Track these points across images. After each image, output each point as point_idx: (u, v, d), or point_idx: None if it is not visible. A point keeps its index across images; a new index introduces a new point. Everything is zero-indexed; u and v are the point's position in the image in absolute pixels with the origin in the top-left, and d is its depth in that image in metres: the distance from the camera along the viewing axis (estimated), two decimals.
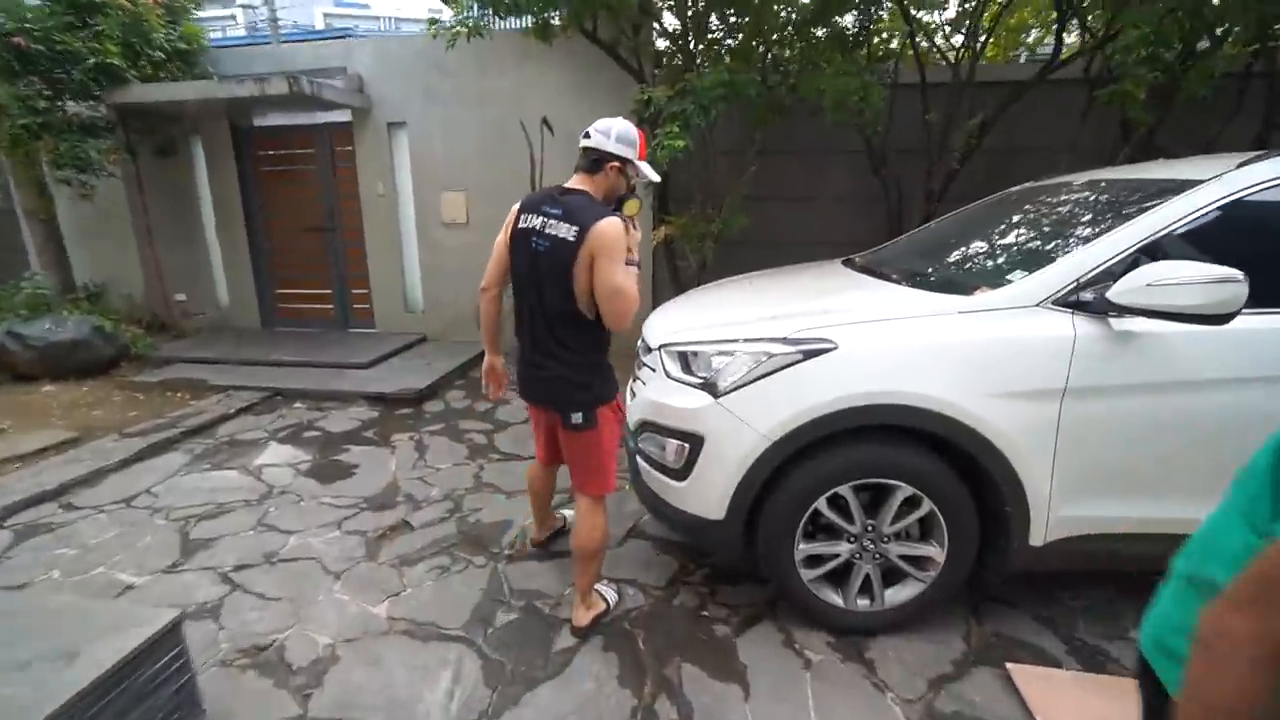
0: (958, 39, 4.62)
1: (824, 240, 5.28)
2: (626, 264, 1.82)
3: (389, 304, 5.99)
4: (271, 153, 5.96)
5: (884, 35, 4.31)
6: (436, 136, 5.47)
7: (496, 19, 4.72)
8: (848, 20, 4.03)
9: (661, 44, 4.82)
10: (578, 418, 1.97)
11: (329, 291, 6.21)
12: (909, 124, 4.65)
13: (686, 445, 2.07)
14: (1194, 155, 2.50)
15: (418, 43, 5.29)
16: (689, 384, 2.11)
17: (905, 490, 1.94)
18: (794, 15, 3.87)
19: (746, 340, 2.03)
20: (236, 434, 3.88)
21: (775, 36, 4.10)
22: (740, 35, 4.16)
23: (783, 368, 1.93)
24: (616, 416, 2.08)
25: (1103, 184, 2.35)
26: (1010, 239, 2.43)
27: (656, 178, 2.06)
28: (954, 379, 1.85)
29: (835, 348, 1.90)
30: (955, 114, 4.39)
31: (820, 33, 3.92)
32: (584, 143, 1.94)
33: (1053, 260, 1.95)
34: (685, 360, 2.17)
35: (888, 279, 2.40)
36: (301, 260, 6.16)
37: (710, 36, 4.27)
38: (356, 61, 5.46)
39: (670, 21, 4.56)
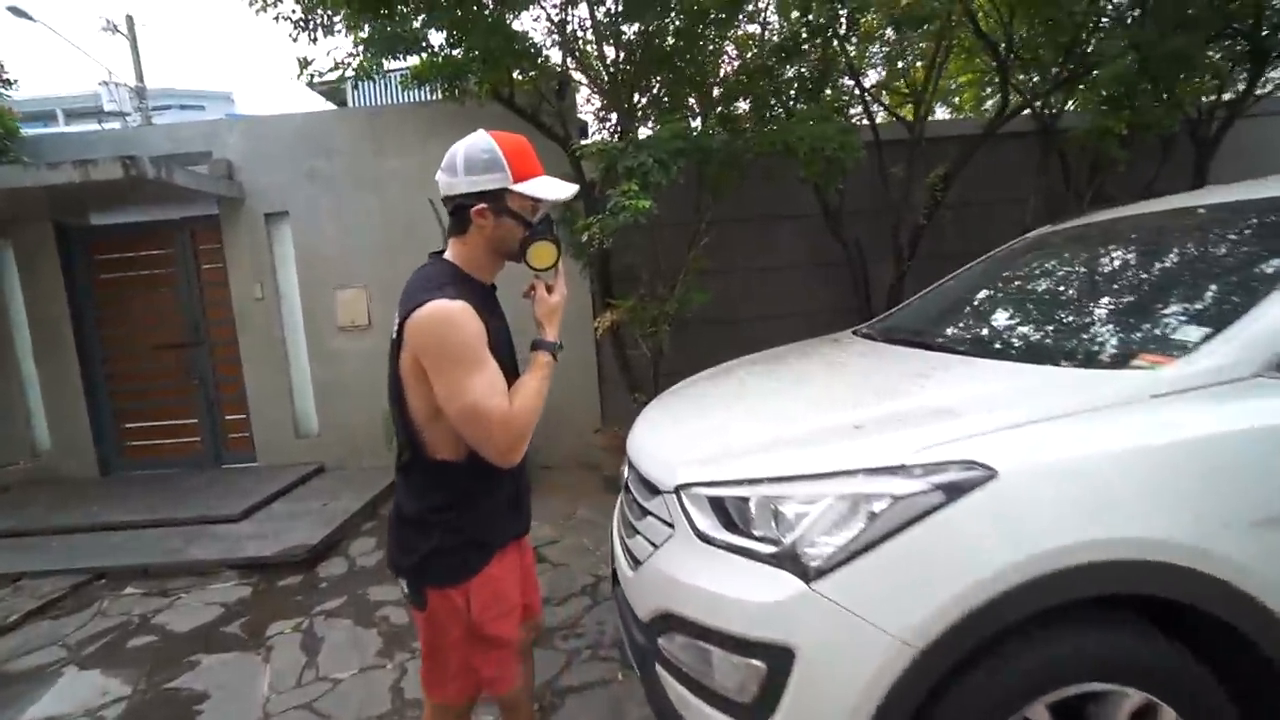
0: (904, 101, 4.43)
1: (787, 312, 4.78)
2: (542, 349, 1.33)
3: (274, 430, 4.81)
4: (115, 257, 4.83)
5: (841, 83, 3.99)
6: (327, 226, 4.59)
7: (401, 90, 4.06)
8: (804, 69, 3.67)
9: (592, 106, 4.29)
10: (403, 585, 1.37)
11: (194, 421, 4.95)
12: (864, 183, 4.30)
13: (764, 666, 1.22)
14: (1135, 201, 2.16)
15: (298, 121, 4.52)
16: (748, 553, 1.30)
17: (1132, 697, 1.18)
18: (750, 60, 3.44)
19: (837, 474, 1.26)
20: (11, 658, 2.59)
21: (720, 91, 3.65)
22: (682, 88, 3.67)
23: (914, 519, 1.16)
24: (478, 604, 1.33)
25: (1202, 211, 1.86)
26: (1120, 288, 1.85)
27: (568, 193, 1.32)
28: (1184, 505, 1.15)
29: (994, 475, 1.16)
30: (914, 170, 4.08)
31: (790, 72, 3.49)
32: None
33: (1227, 311, 1.37)
34: (731, 511, 1.37)
35: (969, 352, 1.75)
36: (156, 385, 4.91)
37: (650, 93, 3.76)
38: (224, 145, 4.58)
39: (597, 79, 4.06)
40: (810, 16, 3.12)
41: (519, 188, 1.25)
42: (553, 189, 1.29)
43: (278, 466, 4.70)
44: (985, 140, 3.92)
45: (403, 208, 4.50)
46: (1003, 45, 3.80)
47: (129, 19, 12.83)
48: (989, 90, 4.72)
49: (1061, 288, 2.01)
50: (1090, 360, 1.50)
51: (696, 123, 3.40)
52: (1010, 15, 3.53)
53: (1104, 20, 3.42)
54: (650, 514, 1.62)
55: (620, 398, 4.53)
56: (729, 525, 1.37)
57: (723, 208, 4.37)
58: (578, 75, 4.19)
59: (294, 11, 3.44)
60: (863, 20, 3.21)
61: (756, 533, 1.31)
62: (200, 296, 4.85)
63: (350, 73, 3.49)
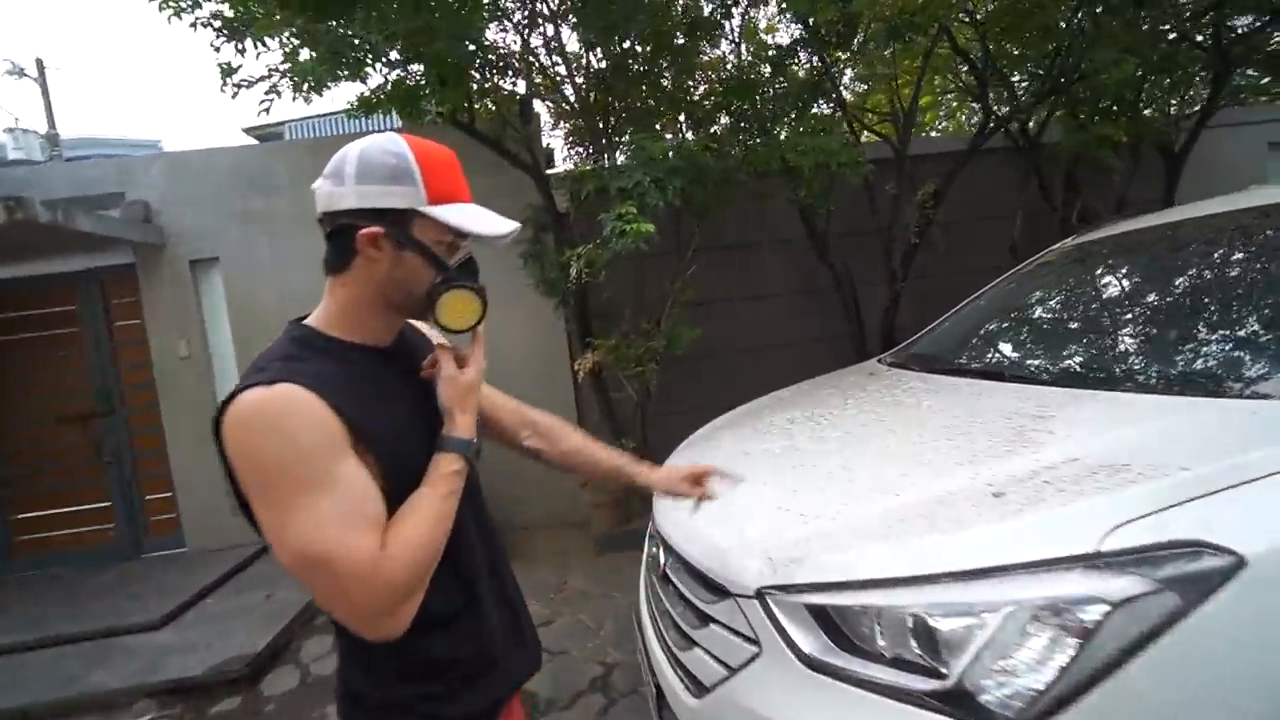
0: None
1: (775, 343, 4.52)
2: (450, 450, 0.85)
3: (205, 508, 4.15)
4: (6, 316, 4.15)
5: (827, 100, 3.82)
6: (265, 272, 4.07)
7: (344, 118, 3.64)
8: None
9: (561, 130, 3.96)
10: None
11: (106, 504, 4.24)
12: (849, 204, 4.11)
13: None
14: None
15: (229, 156, 4.03)
16: (890, 690, 0.92)
17: None
18: (729, 77, 3.20)
19: (1008, 570, 0.91)
20: None
21: (697, 110, 3.39)
22: (657, 108, 3.40)
23: (1147, 635, 0.82)
24: None
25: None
26: (1239, 297, 1.57)
27: (503, 230, 0.90)
28: None
29: (1241, 562, 0.83)
30: (902, 188, 3.92)
31: (773, 89, 3.25)
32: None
33: None
34: (849, 625, 1.00)
35: (1075, 384, 1.45)
36: (58, 463, 4.19)
37: (622, 114, 3.46)
38: (140, 184, 4.03)
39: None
40: (812, 20, 2.92)
41: (434, 212, 0.83)
42: (484, 222, 0.88)
43: (211, 552, 4.03)
44: (971, 156, 3.79)
45: None
46: (977, 59, 3.73)
47: (39, 62, 11.96)
48: (954, 107, 4.67)
49: (1155, 298, 1.74)
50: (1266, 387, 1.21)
51: (670, 140, 3.11)
52: (1000, 29, 3.42)
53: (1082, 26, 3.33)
54: (715, 622, 1.23)
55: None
56: (848, 645, 1.00)
57: (701, 235, 4.10)
58: (543, 103, 3.90)
59: (216, 18, 2.97)
60: (861, 26, 3.03)
61: (895, 656, 0.94)
62: (113, 358, 4.21)
63: (286, 82, 3.05)
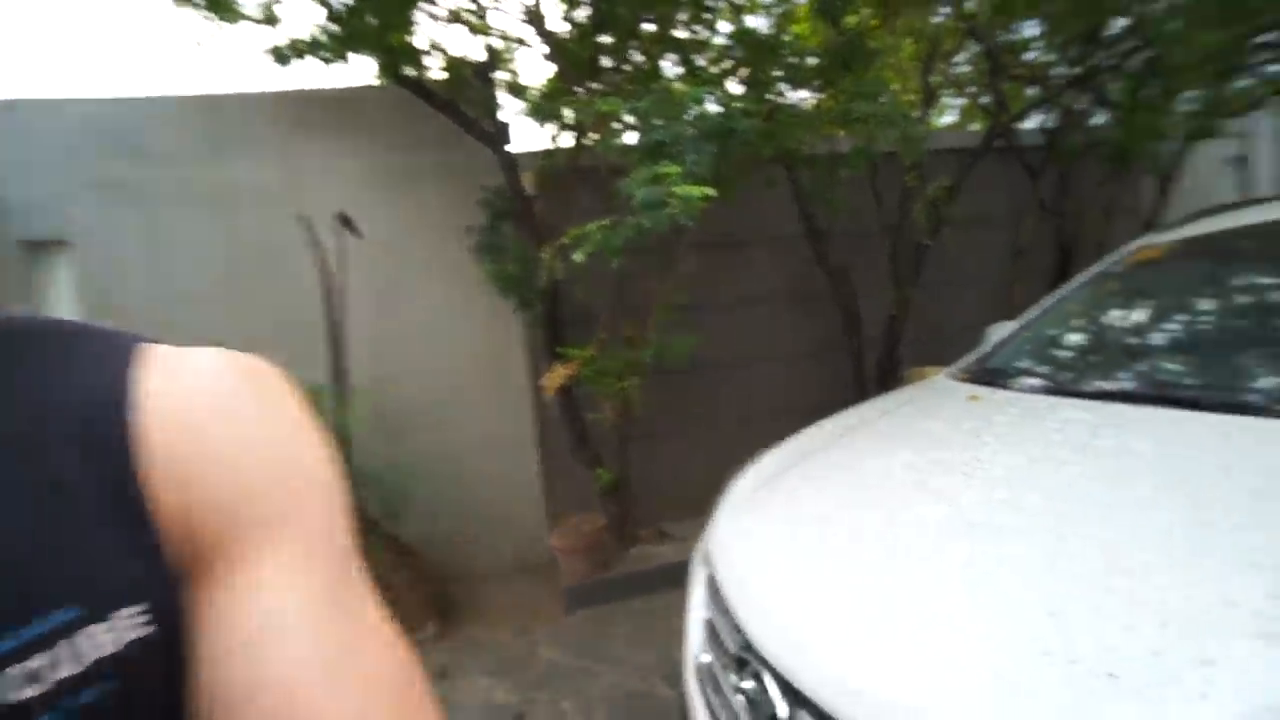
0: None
1: (765, 354, 4.05)
2: None
3: None
4: None
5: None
6: (133, 260, 3.15)
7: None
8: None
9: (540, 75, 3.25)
10: None
11: None
12: (851, 201, 3.68)
13: None
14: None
15: (86, 109, 3.10)
16: None
17: None
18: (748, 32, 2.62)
19: None
20: None
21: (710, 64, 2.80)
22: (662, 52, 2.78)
23: None
24: None
25: None
26: None
27: None
28: None
29: None
30: (910, 185, 3.54)
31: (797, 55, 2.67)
32: None
33: None
34: None
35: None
36: None
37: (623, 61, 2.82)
38: None
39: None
40: None
41: None
42: None
43: None
44: (987, 151, 3.45)
45: (255, 231, 3.20)
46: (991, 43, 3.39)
47: None
48: (968, 99, 4.37)
49: None
50: None
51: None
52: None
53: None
54: None
55: (573, 478, 3.47)
56: None
57: (678, 233, 3.52)
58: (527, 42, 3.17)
59: None
60: None
61: None
62: None
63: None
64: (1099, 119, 3.81)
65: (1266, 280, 1.60)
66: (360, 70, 2.93)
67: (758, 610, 1.08)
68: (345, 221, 3.07)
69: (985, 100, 3.62)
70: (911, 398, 1.87)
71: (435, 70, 3.05)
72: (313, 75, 3.56)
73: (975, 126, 3.86)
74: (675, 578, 2.06)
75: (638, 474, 3.44)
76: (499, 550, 3.54)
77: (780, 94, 2.68)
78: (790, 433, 1.89)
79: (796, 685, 0.90)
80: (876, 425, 1.68)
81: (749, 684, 1.02)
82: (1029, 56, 3.63)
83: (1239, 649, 0.64)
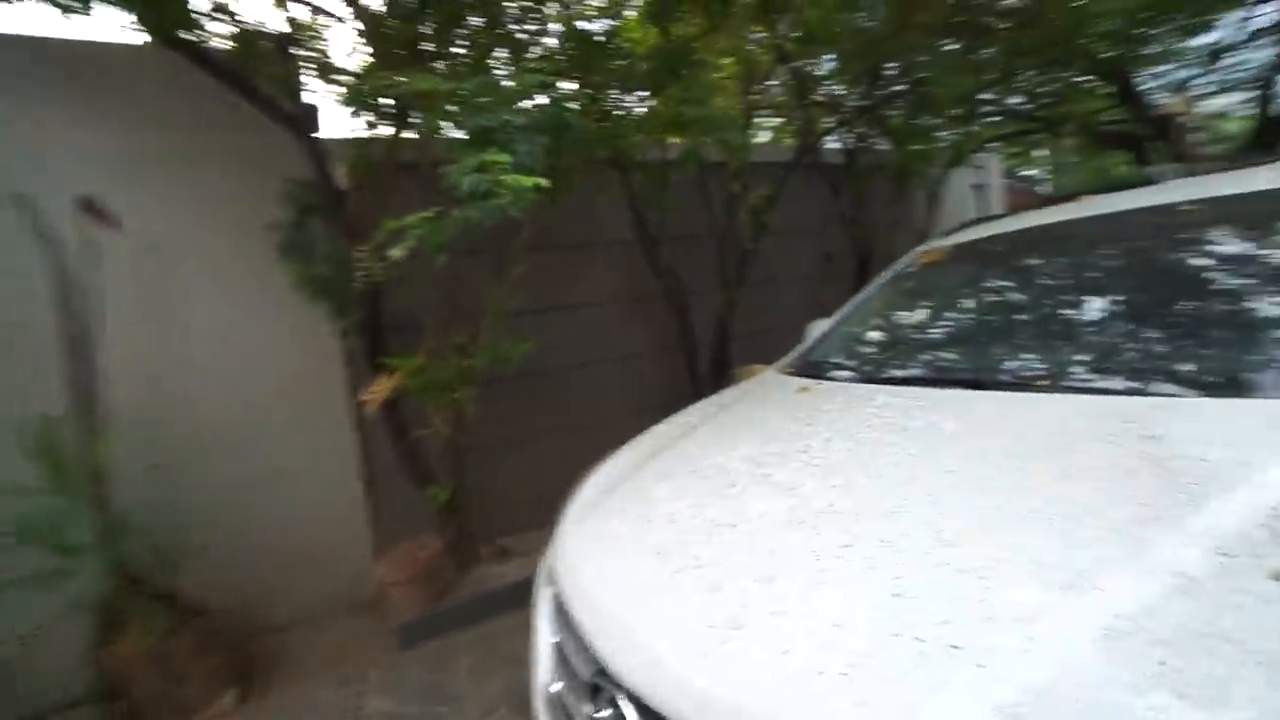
0: None
1: (601, 357, 4.02)
2: None
3: None
4: None
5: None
6: None
7: None
8: None
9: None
10: None
11: None
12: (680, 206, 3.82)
13: None
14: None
15: None
16: None
17: None
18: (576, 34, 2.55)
19: None
20: None
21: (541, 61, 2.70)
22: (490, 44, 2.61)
23: None
24: None
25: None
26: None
27: None
28: None
29: None
30: (734, 192, 3.76)
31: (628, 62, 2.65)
32: None
33: None
34: None
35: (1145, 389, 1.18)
36: None
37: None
38: None
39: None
40: None
41: None
42: None
43: None
44: (799, 165, 3.79)
45: None
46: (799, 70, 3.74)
47: None
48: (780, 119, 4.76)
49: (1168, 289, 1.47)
50: None
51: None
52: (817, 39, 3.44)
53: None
54: None
55: (403, 501, 3.14)
56: None
57: (511, 233, 3.37)
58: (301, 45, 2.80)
59: None
60: None
61: None
62: None
63: None
64: (883, 145, 4.39)
65: (1020, 278, 1.91)
66: (121, 26, 2.37)
67: (607, 628, 1.00)
68: (93, 208, 2.47)
69: (797, 121, 3.98)
70: (747, 392, 1.94)
71: (222, 39, 2.58)
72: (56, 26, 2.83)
73: (790, 143, 4.22)
74: (520, 596, 1.92)
75: (476, 489, 3.22)
76: (316, 591, 3.09)
77: (612, 97, 2.67)
78: (633, 434, 1.86)
79: (654, 707, 0.83)
80: (717, 420, 1.70)
81: (604, 713, 0.94)
82: (830, 86, 4.08)
83: (1049, 600, 0.70)
